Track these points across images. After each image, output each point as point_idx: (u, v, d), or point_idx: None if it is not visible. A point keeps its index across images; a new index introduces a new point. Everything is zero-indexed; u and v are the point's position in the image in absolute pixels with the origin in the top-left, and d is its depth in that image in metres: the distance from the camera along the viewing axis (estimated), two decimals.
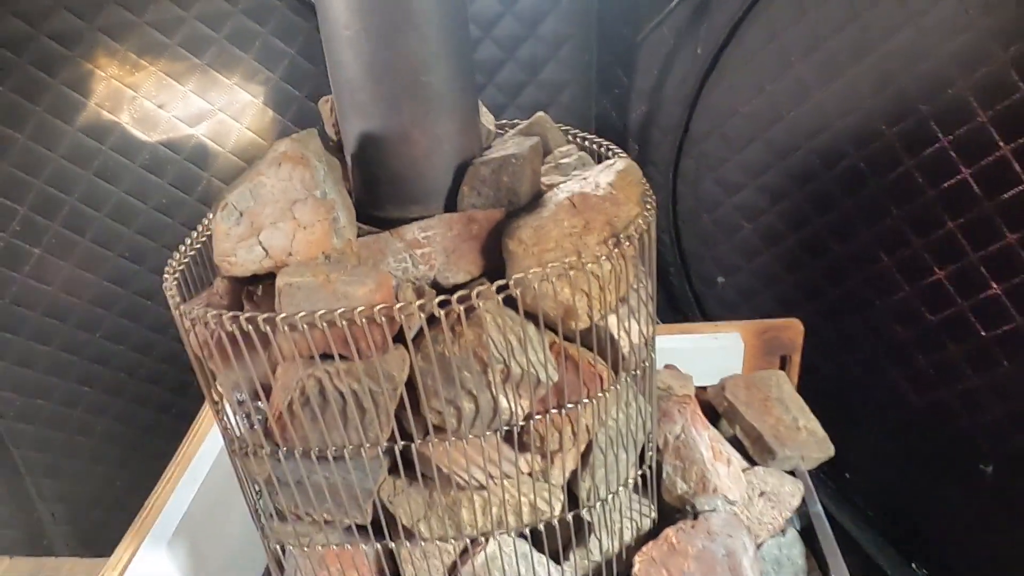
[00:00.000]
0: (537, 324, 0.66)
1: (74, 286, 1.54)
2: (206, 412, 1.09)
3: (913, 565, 1.57)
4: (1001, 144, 1.14)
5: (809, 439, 0.94)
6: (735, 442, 0.97)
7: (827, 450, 0.95)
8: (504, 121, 0.93)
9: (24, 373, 1.57)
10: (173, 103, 1.49)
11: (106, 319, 1.60)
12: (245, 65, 1.51)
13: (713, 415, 1.00)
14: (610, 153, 0.84)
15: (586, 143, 0.87)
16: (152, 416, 1.76)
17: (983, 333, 1.26)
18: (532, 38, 1.50)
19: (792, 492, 0.88)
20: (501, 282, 0.61)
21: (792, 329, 1.22)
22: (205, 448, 1.04)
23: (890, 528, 1.59)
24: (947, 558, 1.50)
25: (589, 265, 0.63)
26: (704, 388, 1.03)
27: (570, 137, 0.90)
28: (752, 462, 0.93)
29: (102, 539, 1.80)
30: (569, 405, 0.69)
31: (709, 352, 1.21)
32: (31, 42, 1.35)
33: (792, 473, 0.93)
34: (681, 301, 1.71)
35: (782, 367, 1.27)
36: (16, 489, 1.69)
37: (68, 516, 1.77)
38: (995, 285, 1.22)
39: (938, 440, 1.41)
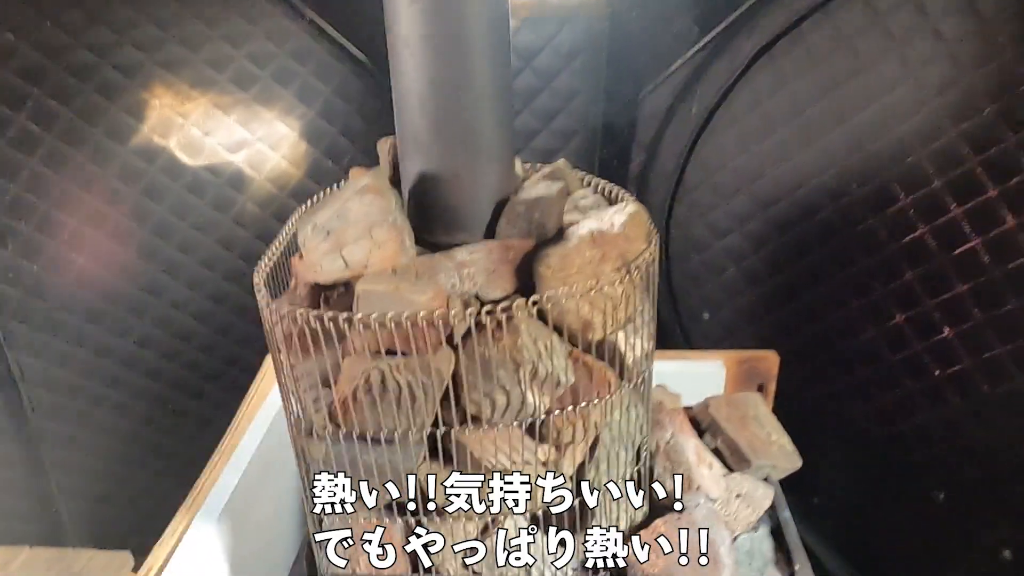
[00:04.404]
0: (560, 335, 0.81)
1: (111, 294, 1.66)
2: (247, 406, 1.22)
3: None
4: (953, 206, 1.32)
5: (779, 452, 1.09)
6: (716, 452, 1.11)
7: (795, 462, 1.09)
8: (527, 164, 1.09)
9: (58, 373, 1.68)
10: (217, 132, 1.64)
11: (137, 327, 1.72)
12: (285, 101, 1.67)
13: (697, 430, 1.15)
14: (620, 196, 1.00)
15: (599, 188, 1.02)
16: (170, 420, 1.87)
17: (936, 373, 1.42)
18: (547, 91, 1.68)
19: (764, 495, 1.03)
20: (536, 297, 0.76)
21: (768, 360, 1.38)
22: (247, 438, 1.17)
23: (852, 551, 1.73)
24: None
25: (606, 288, 0.78)
26: (690, 407, 1.17)
27: (585, 183, 1.05)
28: (730, 469, 1.08)
29: (113, 536, 1.90)
30: (582, 404, 0.84)
31: (694, 377, 1.36)
32: (96, 71, 1.50)
33: (765, 480, 1.07)
34: (670, 333, 1.86)
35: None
36: (39, 484, 1.79)
37: (82, 513, 1.86)
38: (947, 330, 1.38)
39: (895, 469, 1.56)
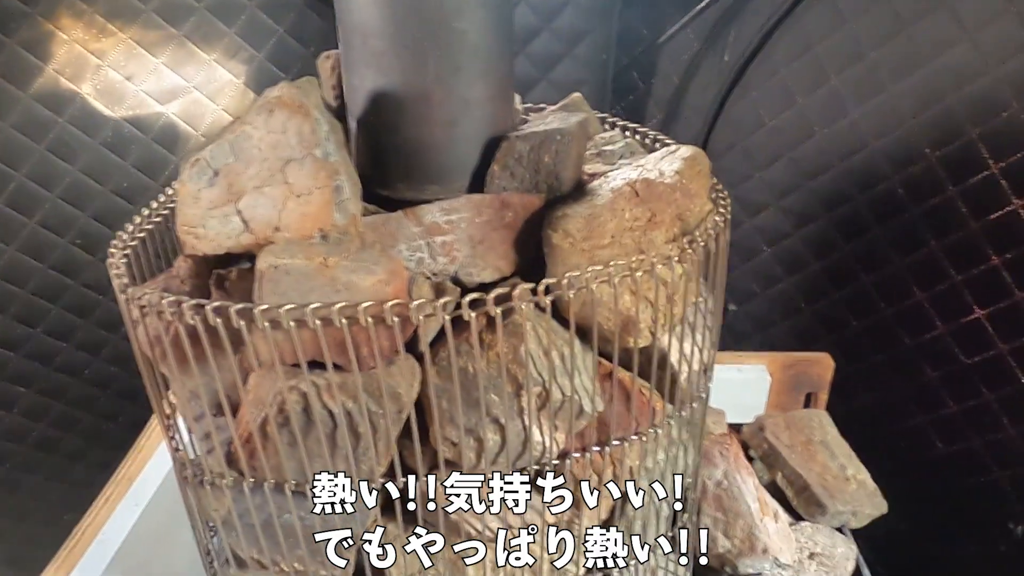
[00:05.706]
0: (585, 339, 0.53)
1: (16, 274, 1.37)
2: (155, 425, 0.93)
3: None
4: None
5: (860, 492, 0.82)
6: (772, 489, 0.84)
7: (880, 506, 0.82)
8: (529, 105, 0.80)
9: None
10: (142, 76, 1.34)
11: (50, 312, 1.44)
12: (227, 40, 1.37)
13: (746, 456, 0.87)
14: (658, 145, 0.71)
15: (629, 130, 0.74)
16: (96, 424, 1.59)
17: (1023, 380, 1.16)
18: (547, 31, 1.39)
19: (846, 554, 0.76)
20: (548, 281, 0.48)
21: (821, 364, 1.11)
22: (151, 467, 0.88)
23: None
24: None
25: (659, 267, 0.50)
26: (738, 427, 0.90)
27: (608, 125, 0.77)
28: (797, 516, 0.80)
29: (30, 558, 1.62)
30: (615, 442, 0.55)
31: (732, 385, 1.09)
32: None
33: (839, 531, 0.80)
34: None
35: (806, 405, 1.16)
36: None
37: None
38: None
39: (964, 493, 1.30)
